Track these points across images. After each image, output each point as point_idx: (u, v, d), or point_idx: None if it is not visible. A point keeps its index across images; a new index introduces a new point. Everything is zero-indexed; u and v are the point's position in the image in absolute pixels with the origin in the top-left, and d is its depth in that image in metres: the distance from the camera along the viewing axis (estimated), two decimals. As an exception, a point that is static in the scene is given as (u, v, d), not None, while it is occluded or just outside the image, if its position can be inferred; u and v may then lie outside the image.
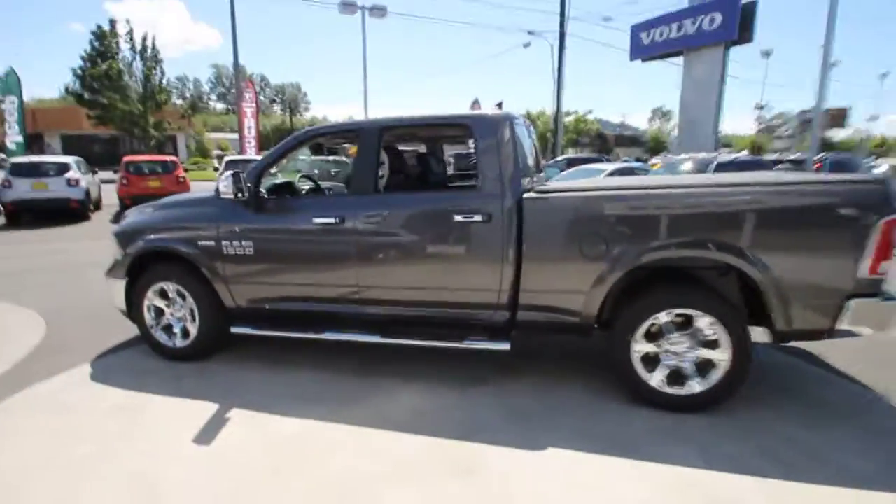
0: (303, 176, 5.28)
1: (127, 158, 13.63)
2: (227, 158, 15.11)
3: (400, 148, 5.17)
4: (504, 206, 3.26)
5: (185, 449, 2.88)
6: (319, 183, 5.16)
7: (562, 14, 23.36)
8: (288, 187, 4.43)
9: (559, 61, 23.72)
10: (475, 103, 20.88)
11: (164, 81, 33.44)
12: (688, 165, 11.56)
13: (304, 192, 4.67)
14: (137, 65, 31.87)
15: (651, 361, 3.18)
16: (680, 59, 21.93)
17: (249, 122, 19.06)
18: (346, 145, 7.62)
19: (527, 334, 3.85)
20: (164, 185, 12.54)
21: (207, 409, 3.31)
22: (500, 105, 5.15)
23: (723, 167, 10.70)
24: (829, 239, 2.84)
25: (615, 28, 54.31)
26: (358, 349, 4.08)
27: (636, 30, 23.01)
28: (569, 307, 3.27)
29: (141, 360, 4.13)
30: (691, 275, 3.27)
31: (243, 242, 3.77)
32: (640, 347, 3.16)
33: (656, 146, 49.24)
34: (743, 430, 2.96)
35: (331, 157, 11.89)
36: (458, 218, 3.34)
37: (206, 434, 3.02)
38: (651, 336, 3.16)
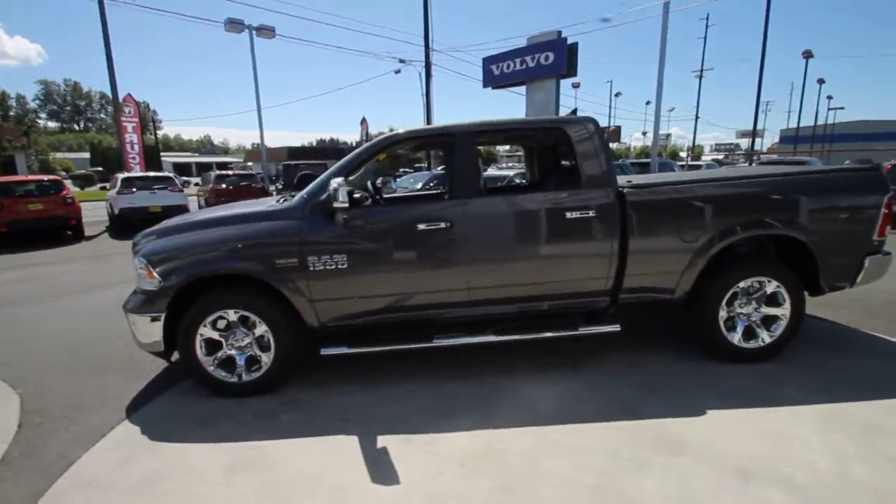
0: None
1: (-2, 180, 10.11)
2: (121, 176, 12.10)
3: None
4: (610, 201, 3.10)
5: (383, 494, 2.17)
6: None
7: (426, 46, 23.61)
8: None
9: (426, 87, 23.97)
10: (363, 122, 20.06)
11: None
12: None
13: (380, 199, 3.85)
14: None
15: (728, 323, 3.32)
16: (523, 88, 23.66)
17: (132, 137, 15.48)
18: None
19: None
20: (48, 208, 9.57)
21: (344, 444, 2.56)
22: (574, 111, 4.94)
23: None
24: (855, 212, 3.25)
25: (467, 61, 56.74)
26: (430, 354, 3.49)
27: (487, 62, 24.14)
28: (665, 286, 3.24)
29: (189, 404, 3.05)
30: (759, 249, 3.47)
31: (335, 256, 3.00)
32: (723, 313, 3.27)
33: (489, 158, 52.83)
34: (813, 369, 3.24)
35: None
36: (569, 215, 3.08)
37: (380, 470, 2.32)
38: (728, 302, 3.29)
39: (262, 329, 3.07)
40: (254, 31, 16.21)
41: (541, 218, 3.12)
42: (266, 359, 3.11)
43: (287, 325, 3.08)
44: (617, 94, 52.11)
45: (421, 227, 3.05)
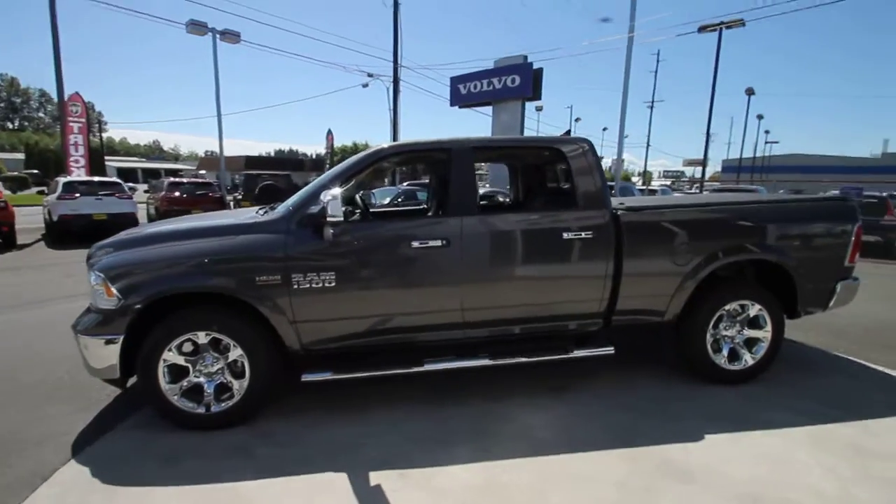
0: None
1: None
2: (62, 180, 11.09)
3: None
4: (606, 221, 3.08)
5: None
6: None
7: (395, 62, 23.69)
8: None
9: (394, 102, 23.98)
10: (329, 134, 19.59)
11: None
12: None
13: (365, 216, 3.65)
14: None
15: (714, 345, 3.35)
16: (489, 109, 24.12)
17: (77, 138, 14.19)
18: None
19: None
20: (-26, 213, 8.60)
21: (331, 482, 2.32)
22: (568, 132, 4.91)
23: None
24: (830, 239, 3.40)
25: (435, 79, 57.05)
26: (417, 378, 3.29)
27: (455, 81, 24.53)
28: (656, 308, 3.24)
29: (148, 439, 2.70)
30: (740, 274, 3.55)
31: (322, 274, 2.79)
32: (710, 335, 3.30)
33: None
34: (793, 390, 3.31)
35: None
36: (566, 235, 3.03)
37: (377, 512, 2.11)
38: (714, 324, 3.32)
39: (236, 353, 2.79)
40: (217, 35, 15.62)
41: (538, 237, 3.05)
42: (239, 386, 2.82)
43: (265, 349, 2.82)
44: (577, 120, 54.33)
45: (415, 244, 2.89)
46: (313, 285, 2.78)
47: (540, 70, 21.70)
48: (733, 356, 3.37)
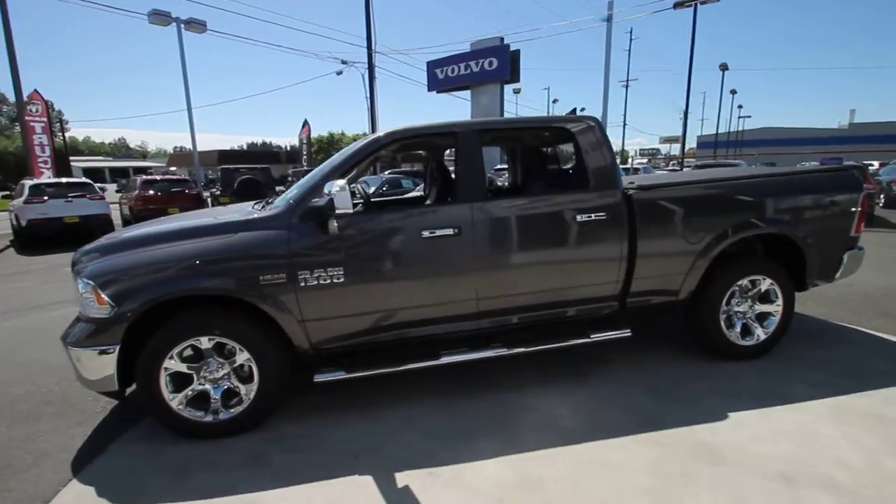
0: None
1: None
2: (28, 183, 10.46)
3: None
4: (619, 202, 3.00)
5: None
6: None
7: (369, 48, 23.12)
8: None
9: (370, 89, 23.46)
10: (305, 125, 18.95)
11: None
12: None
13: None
14: None
15: (727, 321, 3.33)
16: (467, 93, 23.79)
17: (41, 139, 13.37)
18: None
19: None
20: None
21: (358, 486, 2.21)
22: (574, 111, 4.40)
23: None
24: (836, 210, 3.39)
25: (411, 64, 55.53)
26: (430, 371, 3.21)
27: (431, 66, 24.12)
28: (671, 288, 3.19)
29: (153, 452, 2.54)
30: (749, 248, 3.51)
31: (329, 270, 2.64)
32: (723, 312, 3.28)
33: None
34: (804, 363, 3.32)
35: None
36: (580, 217, 2.94)
37: (409, 516, 2.01)
38: (727, 301, 3.30)
39: (242, 357, 2.63)
40: (182, 25, 14.90)
41: (551, 221, 2.95)
42: (247, 391, 2.68)
43: (273, 351, 2.67)
44: (555, 101, 54.27)
45: (425, 234, 2.76)
46: (321, 282, 2.63)
47: (517, 52, 21.46)
48: (746, 331, 3.37)
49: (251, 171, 13.68)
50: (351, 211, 2.51)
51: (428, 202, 3.91)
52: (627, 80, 42.75)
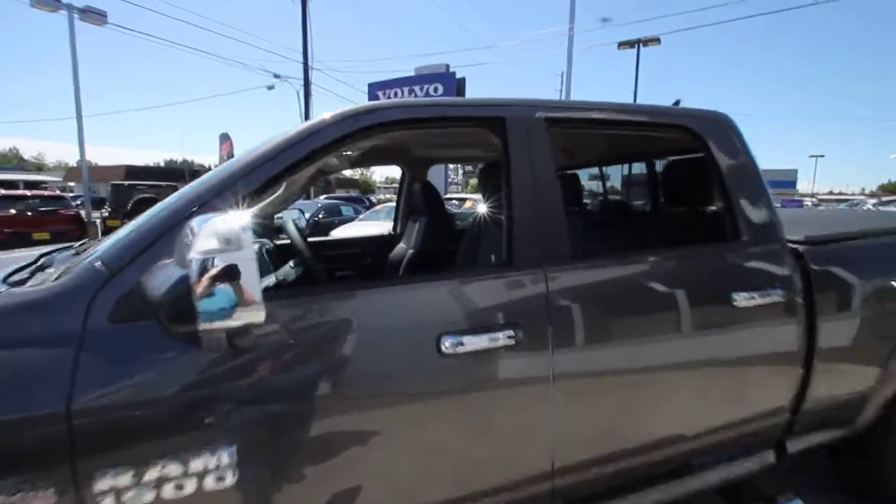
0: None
1: None
2: None
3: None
4: (791, 266, 1.60)
5: None
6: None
7: (305, 63, 21.41)
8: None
9: (305, 107, 21.63)
10: (225, 139, 16.26)
11: None
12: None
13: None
14: None
15: None
16: (411, 117, 22.74)
17: None
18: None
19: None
20: None
21: None
22: (677, 102, 1.79)
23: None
24: None
25: (352, 85, 53.37)
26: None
27: (373, 88, 22.89)
28: (843, 415, 1.82)
29: None
30: None
31: (194, 460, 0.93)
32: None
33: (366, 188, 50.49)
34: None
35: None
36: (738, 299, 1.49)
37: None
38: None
39: None
40: (75, 14, 12.21)
41: (689, 304, 1.46)
42: None
43: None
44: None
45: (447, 345, 1.15)
46: (165, 497, 0.91)
47: (463, 80, 20.85)
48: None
49: (152, 188, 11.14)
50: (261, 314, 0.85)
51: (407, 247, 2.33)
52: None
